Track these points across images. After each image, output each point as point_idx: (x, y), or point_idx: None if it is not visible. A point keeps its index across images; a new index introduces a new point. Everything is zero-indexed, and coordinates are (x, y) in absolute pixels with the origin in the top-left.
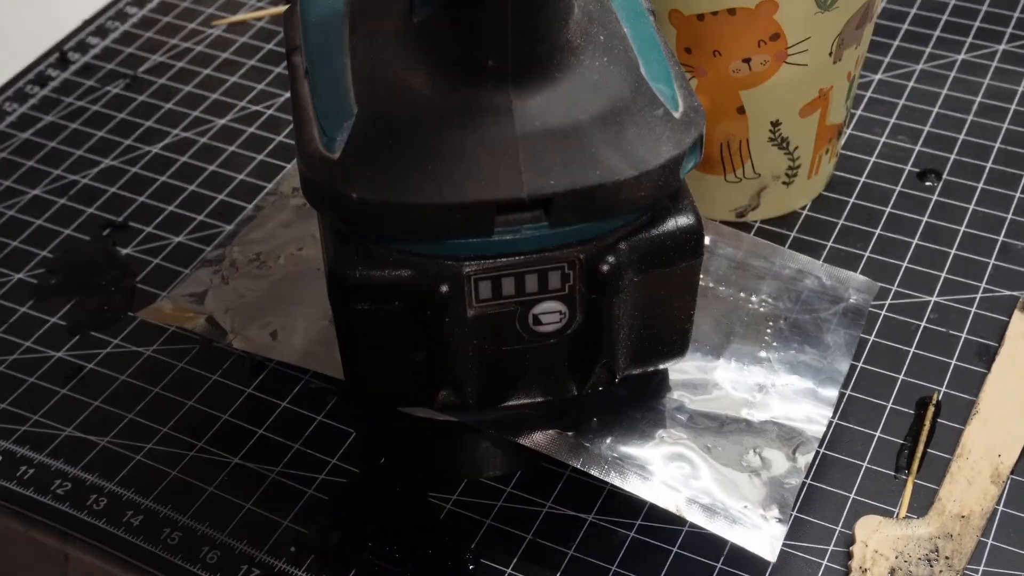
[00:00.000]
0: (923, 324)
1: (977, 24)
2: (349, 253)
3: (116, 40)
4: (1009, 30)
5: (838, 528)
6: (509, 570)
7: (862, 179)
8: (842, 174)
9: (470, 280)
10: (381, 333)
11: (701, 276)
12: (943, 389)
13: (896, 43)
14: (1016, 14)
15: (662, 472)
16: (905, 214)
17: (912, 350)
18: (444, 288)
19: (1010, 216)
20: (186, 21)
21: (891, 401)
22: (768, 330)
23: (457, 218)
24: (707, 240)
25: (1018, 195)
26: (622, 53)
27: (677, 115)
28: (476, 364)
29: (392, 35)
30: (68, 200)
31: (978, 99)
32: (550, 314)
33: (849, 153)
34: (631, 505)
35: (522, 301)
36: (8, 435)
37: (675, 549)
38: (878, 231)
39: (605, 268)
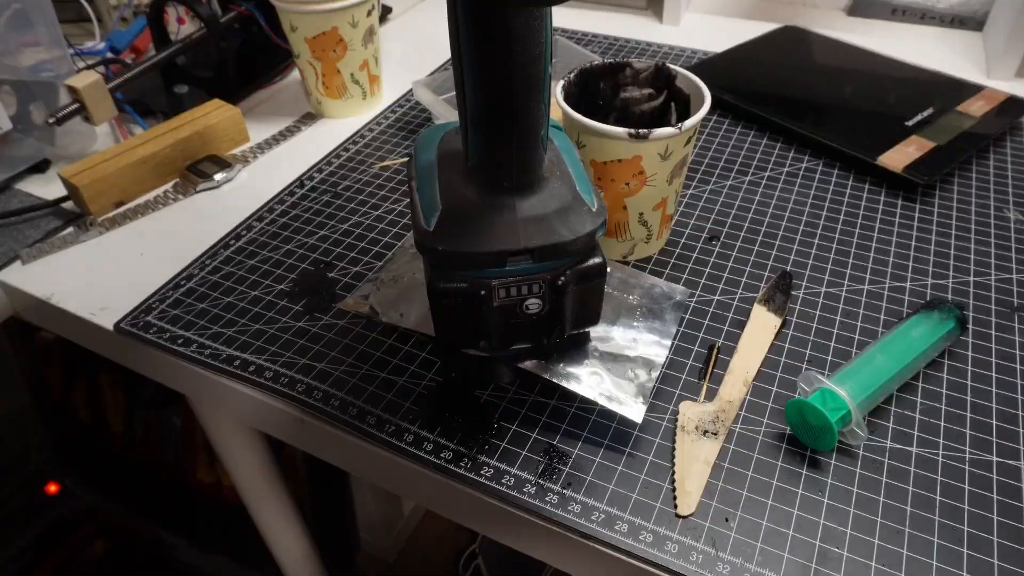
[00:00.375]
0: (711, 309)
1: (738, 165)
2: (437, 275)
3: (326, 174)
4: (751, 170)
5: (670, 406)
6: (514, 427)
7: (682, 240)
8: (673, 238)
9: (495, 288)
10: (453, 314)
11: (605, 287)
12: (721, 340)
13: (698, 175)
14: (740, 158)
15: (587, 380)
16: (703, 256)
17: (706, 322)
18: (482, 292)
19: (751, 258)
20: (360, 164)
21: (696, 346)
22: (637, 312)
23: (489, 258)
24: (608, 269)
25: (756, 248)
26: (567, 179)
27: (594, 209)
28: (498, 329)
29: (458, 171)
30: (303, 250)
31: (737, 201)
32: (534, 305)
33: (677, 228)
34: (572, 396)
35: (520, 298)
36: (275, 361)
37: (593, 417)
38: (690, 264)
39: (560, 282)
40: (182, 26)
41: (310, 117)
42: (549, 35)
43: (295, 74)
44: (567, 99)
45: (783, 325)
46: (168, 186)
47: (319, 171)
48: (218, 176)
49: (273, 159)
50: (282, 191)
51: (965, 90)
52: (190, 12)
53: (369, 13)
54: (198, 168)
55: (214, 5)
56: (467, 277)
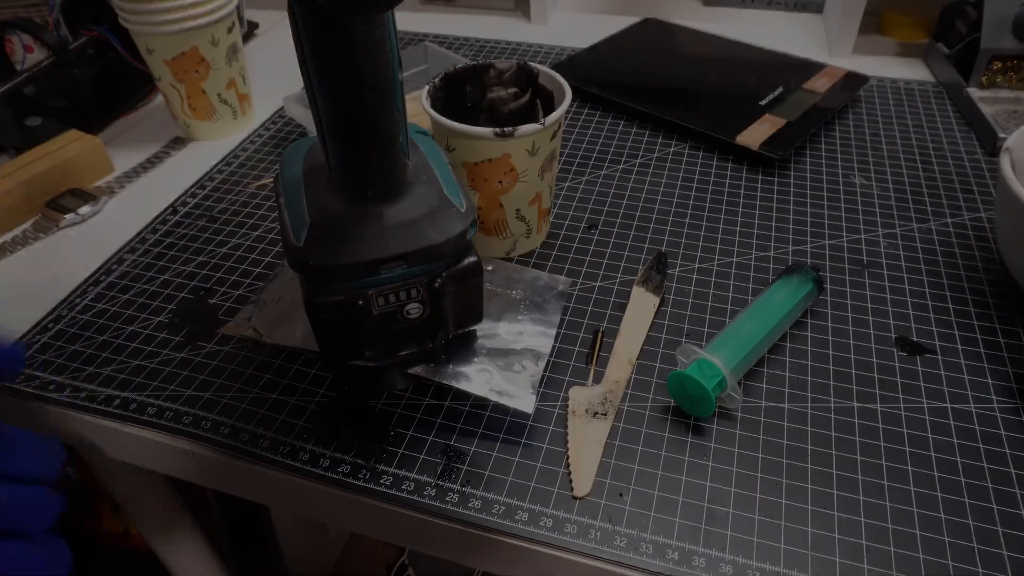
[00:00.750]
0: (594, 296)
1: (610, 155)
2: (313, 291)
3: (200, 199)
4: (623, 159)
5: (561, 393)
6: (411, 432)
7: (563, 231)
8: (554, 231)
9: (373, 297)
10: (334, 327)
11: (487, 284)
12: (605, 324)
13: (573, 168)
14: (612, 148)
15: (477, 378)
16: (583, 246)
17: (590, 308)
18: (360, 303)
19: (628, 242)
20: (236, 185)
21: (582, 332)
22: (521, 306)
23: (362, 268)
24: (490, 267)
25: (632, 232)
26: (434, 183)
27: (463, 210)
28: (381, 337)
29: (323, 184)
30: (180, 279)
31: (612, 190)
32: (414, 310)
33: (556, 220)
34: (465, 395)
35: (400, 304)
36: (158, 396)
37: (487, 413)
38: (571, 255)
39: (437, 284)
40: (30, 54)
41: (179, 141)
42: (394, 42)
43: (161, 98)
44: (434, 104)
45: (662, 303)
46: (27, 225)
47: (192, 196)
48: (82, 210)
49: (142, 188)
50: (154, 220)
51: (810, 68)
52: (38, 39)
53: (230, 30)
54: (59, 203)
55: (63, 30)
56: (343, 289)
